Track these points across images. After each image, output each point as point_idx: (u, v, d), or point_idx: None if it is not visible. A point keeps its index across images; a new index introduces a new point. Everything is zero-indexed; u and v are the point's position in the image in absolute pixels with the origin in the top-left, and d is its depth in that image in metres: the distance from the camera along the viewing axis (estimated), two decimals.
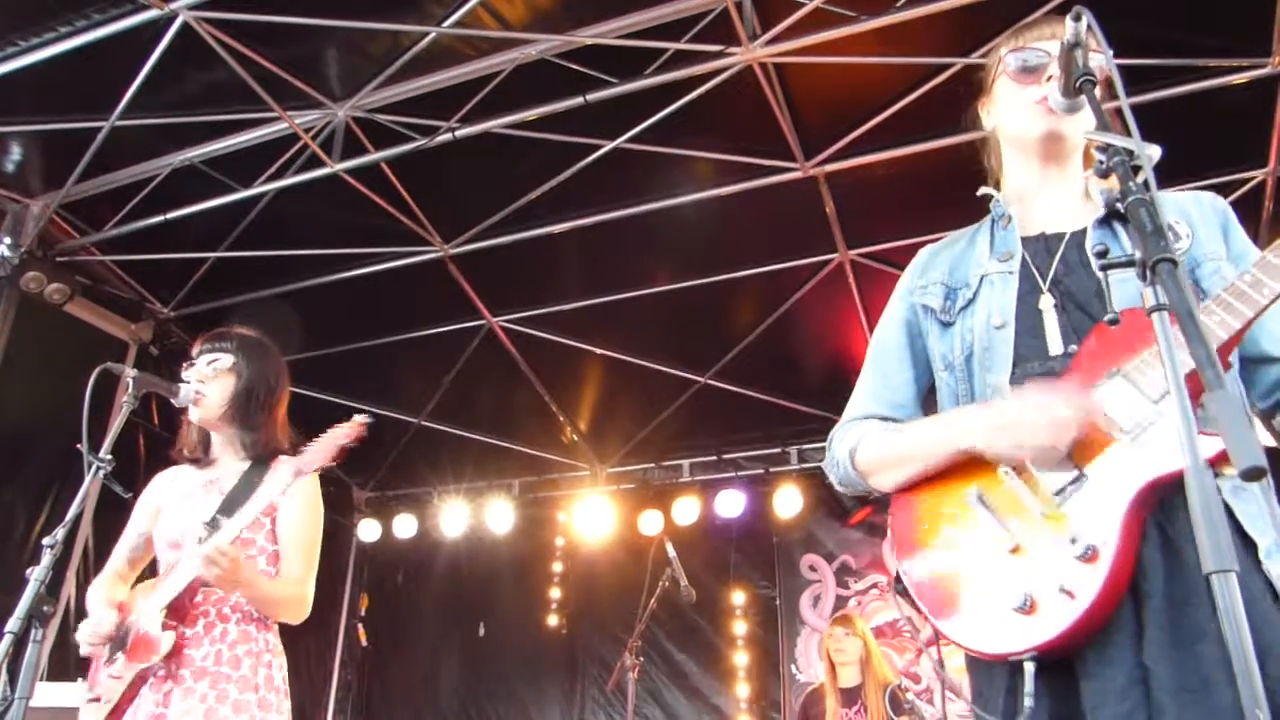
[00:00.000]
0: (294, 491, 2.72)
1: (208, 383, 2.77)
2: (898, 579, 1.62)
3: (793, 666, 6.91)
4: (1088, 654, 1.40)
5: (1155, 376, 1.43)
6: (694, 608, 6.79)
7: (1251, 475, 0.95)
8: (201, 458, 2.86)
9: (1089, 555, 1.39)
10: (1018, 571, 1.46)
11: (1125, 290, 1.51)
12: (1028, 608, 1.41)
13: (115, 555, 2.87)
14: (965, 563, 1.54)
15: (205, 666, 2.52)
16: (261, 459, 2.79)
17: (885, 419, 1.81)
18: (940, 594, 1.54)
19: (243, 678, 2.54)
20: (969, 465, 1.59)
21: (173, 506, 2.77)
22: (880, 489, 1.75)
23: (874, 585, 6.87)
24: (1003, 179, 1.87)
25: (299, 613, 2.71)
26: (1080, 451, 1.46)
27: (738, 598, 7.25)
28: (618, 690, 6.53)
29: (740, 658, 7.12)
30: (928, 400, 1.85)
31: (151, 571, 2.84)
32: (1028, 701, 1.38)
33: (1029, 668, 1.40)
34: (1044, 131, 1.69)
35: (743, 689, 7.04)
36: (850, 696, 5.07)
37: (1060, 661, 1.42)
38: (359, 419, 2.64)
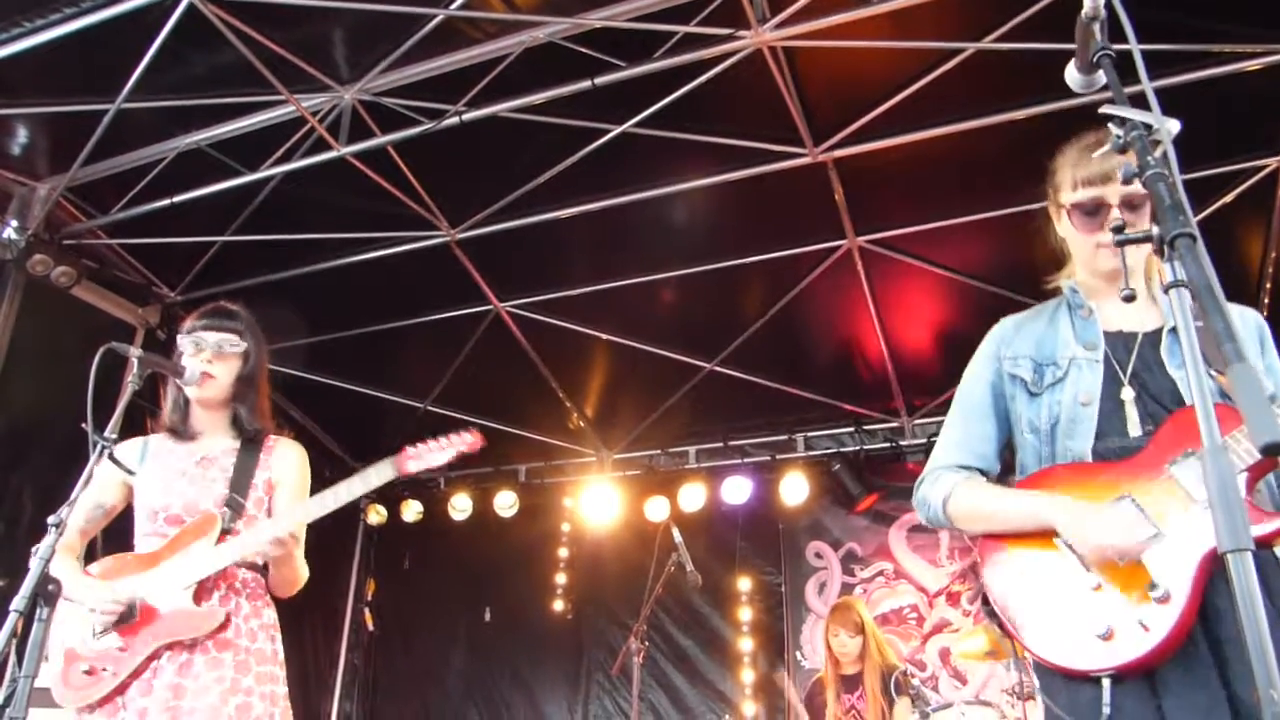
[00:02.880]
0: (291, 470, 2.82)
1: (215, 363, 2.76)
2: (984, 601, 2.00)
3: (798, 653, 6.91)
4: (1170, 675, 1.70)
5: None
6: (700, 594, 6.85)
7: (1271, 450, 0.94)
8: (180, 430, 2.80)
9: (1164, 598, 1.71)
10: (1100, 606, 1.78)
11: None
12: (1107, 635, 1.74)
13: (69, 527, 2.59)
14: (1054, 596, 1.85)
15: (228, 638, 2.56)
16: (253, 438, 2.81)
17: (969, 469, 2.12)
18: (1031, 619, 1.87)
19: (259, 650, 2.62)
20: None
21: (160, 482, 2.72)
22: (965, 532, 2.12)
23: (880, 573, 6.86)
24: (1075, 272, 2.15)
25: (296, 589, 2.80)
26: (1160, 515, 1.79)
27: (743, 584, 7.25)
28: (623, 675, 6.52)
29: (745, 644, 7.12)
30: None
31: (120, 545, 2.79)
32: (1106, 710, 1.69)
33: (1105, 683, 1.72)
34: (1110, 269, 2.00)
35: (748, 675, 7.05)
36: (852, 683, 5.14)
37: (1142, 679, 1.72)
38: (475, 435, 2.87)
